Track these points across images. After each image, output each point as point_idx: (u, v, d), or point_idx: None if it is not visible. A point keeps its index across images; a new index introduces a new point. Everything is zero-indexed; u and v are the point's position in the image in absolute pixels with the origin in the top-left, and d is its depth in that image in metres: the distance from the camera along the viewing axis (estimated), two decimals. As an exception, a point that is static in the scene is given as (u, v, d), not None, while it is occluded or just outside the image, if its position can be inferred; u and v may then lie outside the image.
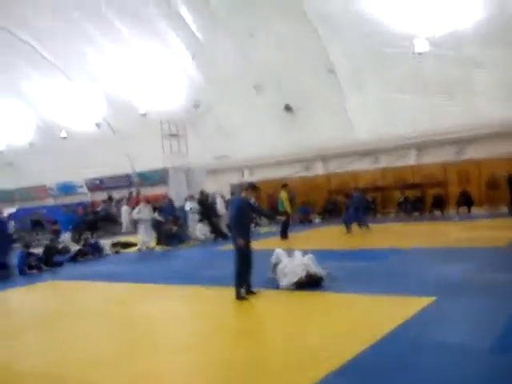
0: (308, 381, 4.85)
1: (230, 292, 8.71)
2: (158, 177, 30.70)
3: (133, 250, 18.90)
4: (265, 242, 16.00)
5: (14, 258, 14.66)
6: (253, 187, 9.45)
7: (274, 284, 9.24)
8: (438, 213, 22.38)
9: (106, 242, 19.05)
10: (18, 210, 36.33)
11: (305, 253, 9.56)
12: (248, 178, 28.57)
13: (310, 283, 8.90)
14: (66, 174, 36.91)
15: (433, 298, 7.46)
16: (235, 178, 29.13)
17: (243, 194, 9.27)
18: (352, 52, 23.38)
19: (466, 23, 20.36)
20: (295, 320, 7.31)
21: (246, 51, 25.47)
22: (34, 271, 14.42)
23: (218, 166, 29.95)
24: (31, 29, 29.59)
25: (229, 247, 10.24)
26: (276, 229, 18.75)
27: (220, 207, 21.30)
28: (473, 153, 22.47)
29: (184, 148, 26.37)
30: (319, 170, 27.47)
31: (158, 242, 19.24)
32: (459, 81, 21.54)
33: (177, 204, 22.08)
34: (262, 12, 23.71)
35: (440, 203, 22.44)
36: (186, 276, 11.72)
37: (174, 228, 19.66)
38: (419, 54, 21.03)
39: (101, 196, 35.57)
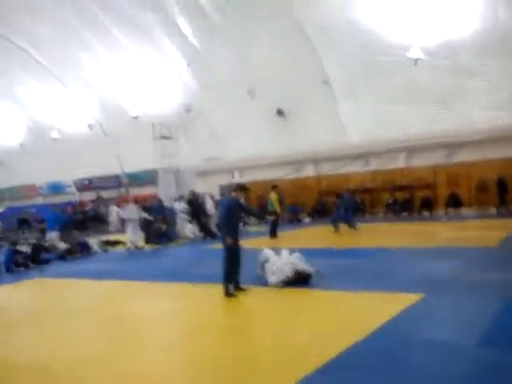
0: (297, 377, 4.83)
1: (219, 289, 8.69)
2: (148, 177, 30.68)
3: (121, 248, 18.83)
4: (254, 240, 16.00)
5: (0, 256, 14.55)
6: (242, 188, 9.49)
7: (262, 281, 9.25)
8: (426, 213, 22.52)
9: (94, 241, 18.97)
10: (6, 209, 36.13)
11: (292, 251, 9.56)
12: (238, 179, 28.56)
13: (299, 280, 8.92)
14: (56, 175, 36.80)
15: (421, 295, 7.48)
16: (225, 180, 29.12)
17: (233, 195, 9.29)
18: (346, 62, 23.55)
19: (460, 33, 20.59)
20: (284, 317, 7.30)
21: (240, 58, 25.57)
22: (21, 269, 14.31)
23: (208, 168, 29.96)
24: (29, 36, 29.70)
25: (218, 246, 10.22)
26: (265, 228, 18.75)
27: (209, 207, 21.27)
28: (462, 156, 22.69)
29: (175, 150, 26.34)
30: (310, 172, 27.53)
31: (147, 241, 19.19)
32: (453, 90, 21.74)
33: (166, 204, 22.03)
34: (257, 21, 23.81)
35: (428, 205, 22.61)
36: (175, 274, 11.68)
37: (163, 227, 19.62)
38: (414, 63, 21.13)
39: (89, 196, 35.47)
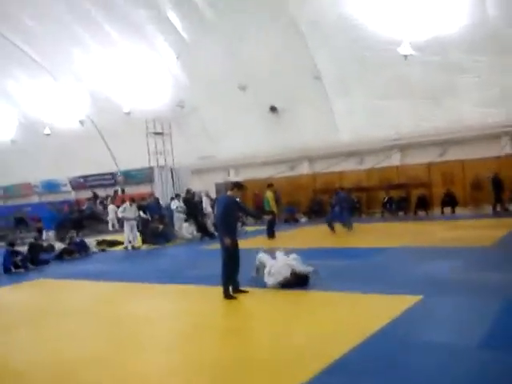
0: (296, 381, 4.86)
1: (218, 291, 8.72)
2: (143, 175, 30.63)
3: (119, 248, 18.84)
4: (252, 241, 16.05)
5: (-2, 257, 14.57)
6: (239, 186, 9.39)
7: (261, 283, 9.24)
8: (422, 213, 22.60)
9: (91, 241, 18.98)
10: (2, 208, 36.06)
11: (288, 253, 9.58)
12: (234, 177, 28.60)
13: (297, 282, 8.93)
14: (49, 172, 36.74)
15: (420, 297, 7.51)
16: (221, 178, 29.14)
17: (229, 193, 9.21)
18: (338, 57, 23.56)
19: (450, 29, 20.63)
20: (282, 319, 7.32)
21: (232, 54, 25.55)
22: (21, 270, 14.27)
23: (204, 166, 29.97)
24: (21, 31, 29.59)
25: (215, 246, 10.25)
26: (263, 228, 18.77)
27: (206, 206, 21.31)
28: (457, 154, 22.73)
29: (169, 147, 26.33)
30: (304, 169, 27.58)
31: (144, 241, 19.20)
32: (443, 86, 21.84)
33: (162, 202, 22.05)
34: (249, 16, 23.80)
35: (424, 203, 22.69)
36: (173, 275, 11.69)
37: (160, 226, 19.63)
38: (404, 59, 21.17)
39: (85, 194, 35.40)
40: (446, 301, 7.43)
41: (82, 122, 34.26)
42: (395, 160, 24.75)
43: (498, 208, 20.81)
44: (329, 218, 18.42)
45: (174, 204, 20.68)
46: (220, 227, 9.10)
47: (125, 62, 29.25)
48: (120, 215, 19.24)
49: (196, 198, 22.01)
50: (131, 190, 31.59)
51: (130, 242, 18.33)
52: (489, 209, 21.07)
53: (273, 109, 26.68)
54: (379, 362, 5.24)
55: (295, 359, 5.50)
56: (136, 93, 30.43)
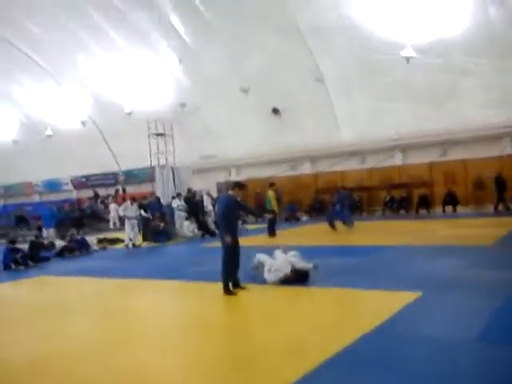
0: (296, 376, 4.83)
1: (218, 287, 8.72)
2: (145, 175, 30.61)
3: (120, 246, 18.85)
4: (253, 238, 16.05)
5: (-1, 254, 14.56)
6: (240, 185, 9.39)
7: (260, 279, 9.25)
8: (423, 211, 22.58)
9: (92, 239, 18.98)
10: (3, 207, 36.09)
11: (287, 250, 9.58)
12: (235, 177, 28.62)
13: (297, 278, 8.93)
14: (50, 172, 36.77)
15: (419, 294, 7.51)
16: (222, 177, 29.15)
17: (230, 192, 9.22)
18: (340, 59, 23.58)
19: (452, 32, 20.67)
20: (282, 315, 7.31)
21: (234, 55, 25.61)
22: (21, 267, 14.25)
23: (205, 165, 29.98)
24: (26, 36, 29.68)
25: (216, 244, 10.23)
26: (264, 226, 18.76)
27: (207, 204, 21.31)
28: (458, 154, 22.75)
29: (170, 147, 26.31)
30: (306, 169, 27.58)
31: (145, 239, 19.21)
32: (445, 88, 21.89)
33: (163, 201, 22.03)
34: (250, 19, 23.86)
35: (426, 202, 22.67)
36: (174, 272, 11.66)
37: (161, 225, 19.63)
38: (407, 61, 21.16)
39: (86, 193, 35.44)
40: (446, 298, 7.42)
41: (83, 123, 34.30)
42: (397, 160, 24.76)
43: (500, 207, 20.78)
44: (330, 216, 18.42)
45: (175, 203, 20.69)
46: (221, 225, 9.11)
47: (128, 65, 29.36)
48: (121, 213, 19.25)
49: (197, 197, 22.02)
50: (133, 190, 31.59)
51: (130, 239, 18.34)
52: (490, 208, 21.04)
53: (275, 111, 26.71)
54: (379, 356, 5.25)
55: (295, 355, 5.48)
56: (138, 94, 30.48)
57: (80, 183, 37.33)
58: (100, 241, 19.21)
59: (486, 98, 21.20)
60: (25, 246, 15.77)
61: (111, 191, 33.36)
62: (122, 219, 20.76)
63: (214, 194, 24.54)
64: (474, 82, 21.27)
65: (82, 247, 17.26)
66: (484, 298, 7.16)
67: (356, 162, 25.75)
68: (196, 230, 19.70)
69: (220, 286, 8.72)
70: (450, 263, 9.88)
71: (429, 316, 6.59)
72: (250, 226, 21.49)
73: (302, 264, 9.16)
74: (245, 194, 10.14)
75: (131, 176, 33.62)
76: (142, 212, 19.63)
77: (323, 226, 18.73)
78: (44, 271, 13.72)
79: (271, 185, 18.41)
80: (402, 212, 23.34)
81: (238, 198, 9.27)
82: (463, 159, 22.55)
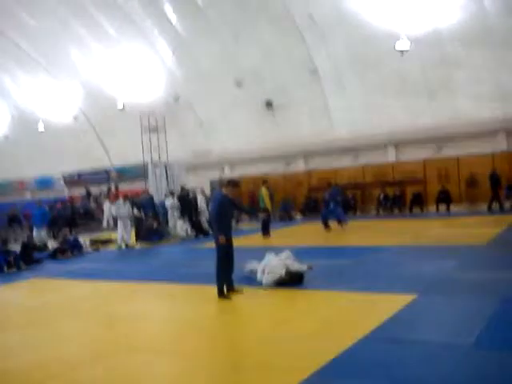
0: (291, 382, 4.80)
1: (212, 290, 8.63)
2: (137, 172, 30.42)
3: (112, 247, 18.68)
4: (247, 238, 16.00)
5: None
6: (233, 183, 9.25)
7: (255, 281, 9.19)
8: (417, 210, 22.56)
9: (84, 239, 18.80)
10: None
11: (279, 252, 9.52)
12: (229, 173, 28.52)
13: (292, 280, 8.89)
14: (42, 168, 36.49)
15: (415, 296, 7.48)
16: (216, 174, 29.03)
17: (224, 190, 9.11)
18: (334, 52, 23.52)
19: (447, 23, 20.61)
20: (276, 319, 7.28)
21: (228, 48, 25.47)
22: (14, 269, 14.09)
23: (198, 162, 29.81)
24: (17, 26, 29.45)
25: (210, 245, 10.17)
26: (258, 226, 18.71)
27: (200, 203, 21.16)
28: (452, 150, 22.72)
29: (163, 143, 26.16)
30: (300, 166, 27.51)
31: (138, 239, 19.06)
32: (439, 81, 21.87)
33: (156, 199, 21.89)
34: (245, 11, 23.75)
35: (419, 201, 22.65)
36: (168, 274, 11.60)
37: (155, 224, 19.49)
38: (401, 53, 21.11)
39: (78, 191, 35.19)
40: (441, 299, 7.41)
41: (75, 118, 34.02)
42: (391, 156, 24.69)
43: (495, 205, 20.69)
44: (324, 216, 18.30)
45: (168, 201, 20.54)
46: (214, 225, 8.92)
47: (120, 56, 29.11)
48: (114, 212, 19.04)
49: (190, 195, 21.85)
50: (125, 187, 31.39)
51: (123, 239, 18.11)
52: (484, 206, 21.00)
53: (268, 104, 26.59)
54: (374, 360, 5.22)
55: (289, 360, 5.44)
56: (130, 87, 30.26)
57: (72, 181, 37.06)
58: (93, 242, 18.95)
59: (480, 91, 21.10)
60: (17, 248, 15.61)
61: (103, 188, 33.11)
62: (115, 218, 20.53)
63: (208, 192, 24.41)
64: (468, 75, 21.20)
65: (75, 248, 17.08)
66: (480, 300, 7.13)
67: (349, 159, 25.67)
68: (189, 230, 19.54)
69: (214, 288, 8.62)
70: (444, 264, 9.86)
71: (425, 320, 6.56)
72: (244, 226, 21.41)
73: (296, 266, 9.12)
74: (238, 191, 10.04)
75: (123, 172, 33.42)
76: (135, 211, 19.44)
77: (317, 226, 18.66)
78: (37, 273, 13.60)
79: (264, 182, 18.34)
80: (396, 211, 23.25)
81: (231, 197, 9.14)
82: (456, 156, 22.52)
